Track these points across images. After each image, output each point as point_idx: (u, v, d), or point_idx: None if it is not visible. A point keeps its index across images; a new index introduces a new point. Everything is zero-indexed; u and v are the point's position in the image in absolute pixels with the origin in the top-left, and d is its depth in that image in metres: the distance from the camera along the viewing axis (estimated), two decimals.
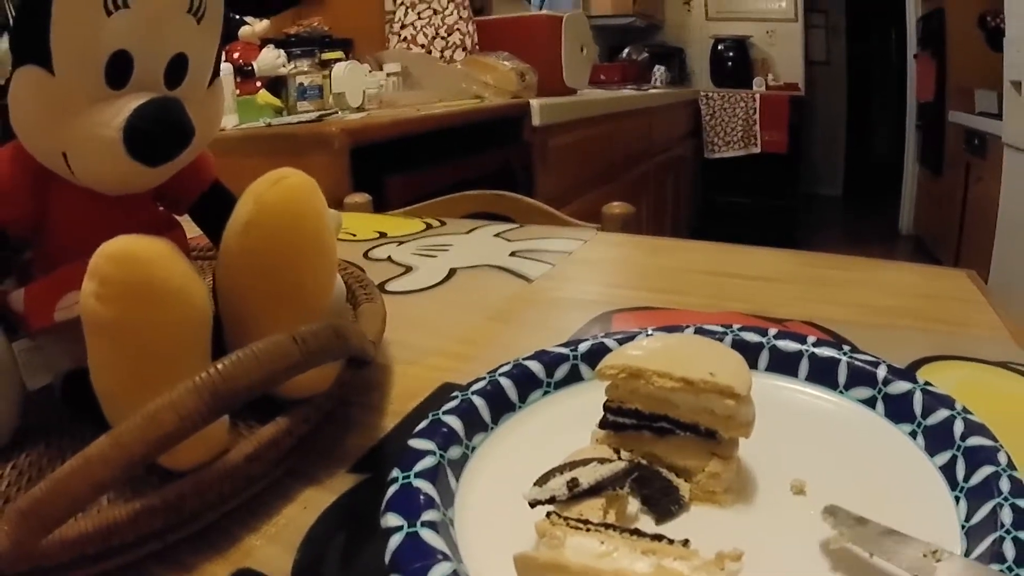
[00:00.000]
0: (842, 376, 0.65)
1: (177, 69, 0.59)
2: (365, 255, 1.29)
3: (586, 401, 0.59)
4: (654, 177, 4.61)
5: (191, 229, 0.71)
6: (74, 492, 0.41)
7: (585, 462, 0.50)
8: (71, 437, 0.62)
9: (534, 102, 2.97)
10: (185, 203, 0.71)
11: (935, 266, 1.19)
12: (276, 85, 2.66)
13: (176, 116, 0.57)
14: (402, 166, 2.29)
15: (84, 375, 0.53)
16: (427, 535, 0.46)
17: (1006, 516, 0.46)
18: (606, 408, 0.56)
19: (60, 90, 0.53)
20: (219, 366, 0.44)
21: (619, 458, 0.51)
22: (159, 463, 0.51)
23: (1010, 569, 0.42)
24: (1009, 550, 0.43)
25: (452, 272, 1.17)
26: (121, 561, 0.49)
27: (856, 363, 0.64)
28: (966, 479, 0.51)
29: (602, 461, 0.50)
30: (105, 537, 0.46)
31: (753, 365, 0.68)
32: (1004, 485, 0.49)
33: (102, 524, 0.45)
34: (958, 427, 0.55)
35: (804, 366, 0.67)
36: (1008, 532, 0.45)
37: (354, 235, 1.43)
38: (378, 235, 1.43)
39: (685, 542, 0.42)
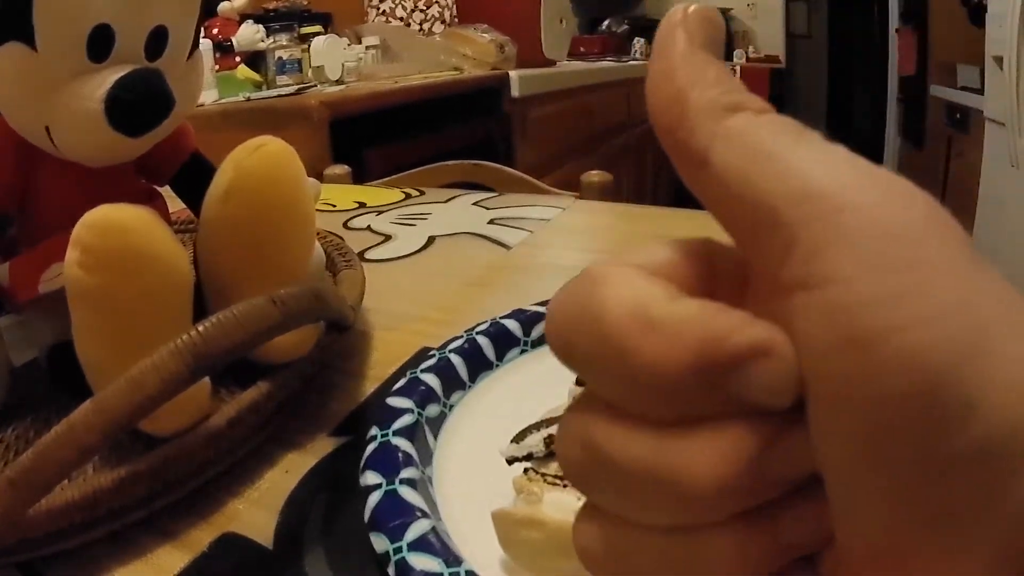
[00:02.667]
0: None
1: (157, 41, 0.59)
2: (345, 225, 1.29)
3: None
4: (634, 148, 4.60)
5: (174, 203, 0.71)
6: (60, 458, 0.41)
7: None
8: (58, 410, 0.63)
9: (513, 74, 2.96)
10: (166, 174, 0.71)
11: None
12: (255, 60, 2.65)
13: (157, 87, 0.57)
14: (381, 138, 2.29)
15: (69, 348, 0.53)
16: (405, 492, 0.47)
17: None
18: None
19: (43, 65, 0.53)
20: (200, 328, 0.45)
21: None
22: (143, 429, 0.51)
23: None
24: None
25: (431, 240, 1.17)
26: (106, 529, 0.50)
27: None
28: None
29: None
30: (92, 505, 0.46)
31: None
32: None
33: (88, 492, 0.46)
34: None
35: None
36: None
37: (334, 206, 1.43)
38: (357, 205, 1.43)
39: None
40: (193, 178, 0.70)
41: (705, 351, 0.20)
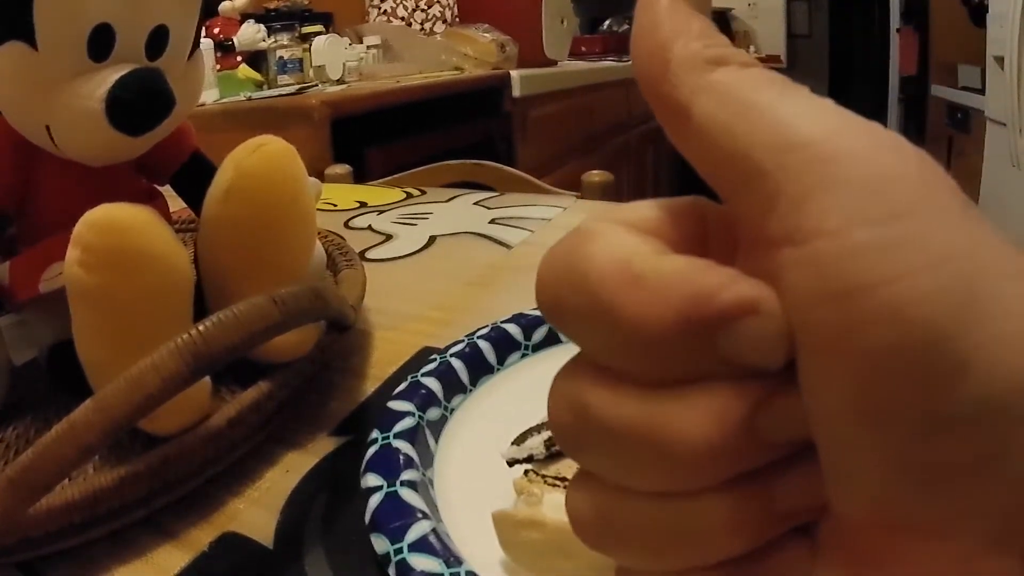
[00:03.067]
0: None
1: (158, 41, 0.59)
2: (346, 224, 1.29)
3: (565, 363, 0.60)
4: (635, 148, 4.59)
5: (175, 203, 0.71)
6: (60, 457, 0.41)
7: None
8: (58, 409, 0.63)
9: (514, 73, 2.96)
10: (166, 174, 0.71)
11: None
12: (256, 59, 2.65)
13: (157, 86, 0.57)
14: (383, 138, 2.29)
15: (70, 347, 0.53)
16: (406, 494, 0.47)
17: None
18: None
19: (43, 64, 0.53)
20: (200, 328, 0.45)
21: None
22: (143, 429, 0.51)
23: None
24: None
25: (432, 240, 1.17)
26: (107, 529, 0.50)
27: None
28: None
29: None
30: (92, 504, 0.46)
31: None
32: None
33: (88, 491, 0.46)
34: None
35: None
36: None
37: (335, 205, 1.43)
38: (359, 205, 1.43)
39: None
40: (194, 177, 0.70)
41: (691, 308, 0.20)
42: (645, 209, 0.25)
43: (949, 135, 4.82)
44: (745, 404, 0.21)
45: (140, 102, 0.56)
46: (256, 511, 0.54)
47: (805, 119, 0.21)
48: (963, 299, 0.18)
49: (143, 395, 0.43)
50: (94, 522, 0.48)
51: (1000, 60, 3.58)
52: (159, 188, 0.72)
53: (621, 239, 0.23)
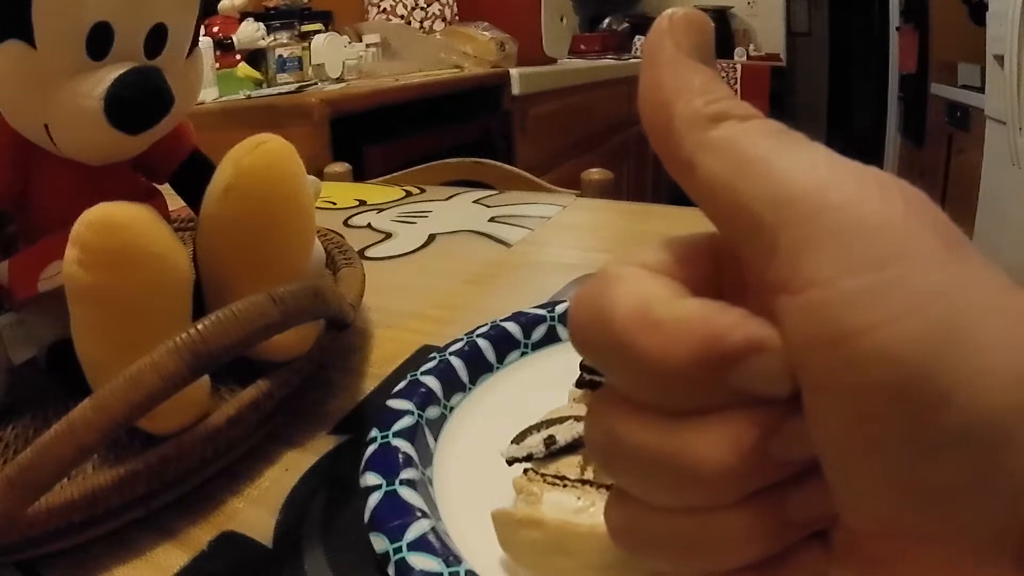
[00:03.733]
0: None
1: (156, 39, 0.59)
2: (345, 223, 1.29)
3: (563, 361, 0.59)
4: (635, 146, 4.60)
5: (174, 201, 0.71)
6: (59, 456, 0.41)
7: (562, 420, 0.51)
8: (57, 408, 0.63)
9: (514, 71, 2.96)
10: (165, 172, 0.71)
11: None
12: (256, 58, 2.65)
13: (156, 84, 0.57)
14: (382, 136, 2.28)
15: (68, 346, 0.53)
16: (405, 493, 0.47)
17: None
18: (582, 367, 0.57)
19: (42, 63, 0.53)
20: (199, 326, 0.45)
21: None
22: (142, 428, 0.51)
23: None
24: None
25: (431, 238, 1.17)
26: (106, 528, 0.50)
27: None
28: None
29: (579, 419, 0.51)
30: (91, 503, 0.46)
31: None
32: None
33: (87, 490, 0.46)
34: None
35: None
36: None
37: (334, 203, 1.43)
38: (358, 203, 1.43)
39: None
40: (193, 176, 0.70)
41: (704, 348, 0.22)
42: (663, 252, 0.27)
43: (949, 133, 4.81)
44: (757, 430, 0.23)
45: (139, 101, 0.56)
46: (255, 510, 0.54)
47: (798, 172, 0.23)
48: (945, 338, 0.20)
49: (142, 394, 0.43)
50: (93, 521, 0.49)
51: (1000, 58, 3.58)
52: (158, 187, 0.71)
53: (641, 284, 0.24)
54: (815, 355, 0.21)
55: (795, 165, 0.23)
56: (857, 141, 7.24)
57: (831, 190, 0.22)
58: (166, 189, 0.71)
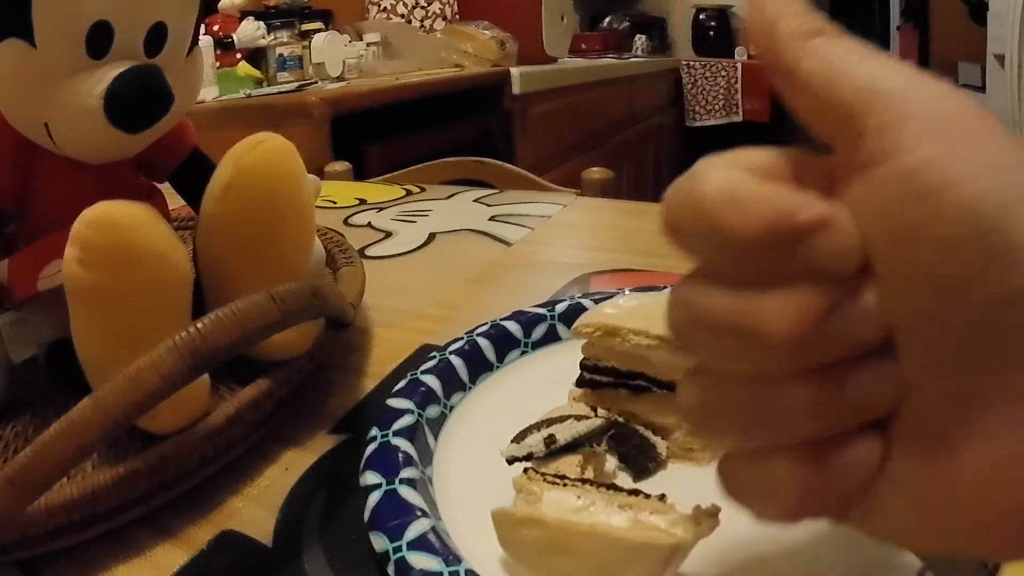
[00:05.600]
0: None
1: (156, 37, 0.59)
2: (345, 222, 1.29)
3: (563, 360, 0.60)
4: (636, 146, 4.60)
5: (174, 200, 0.71)
6: (59, 455, 0.41)
7: (562, 419, 0.51)
8: (57, 407, 0.63)
9: (514, 70, 2.96)
10: (165, 171, 0.71)
11: None
12: (256, 57, 2.65)
13: (156, 83, 0.57)
14: (382, 135, 2.28)
15: (68, 345, 0.53)
16: (405, 492, 0.47)
17: None
18: (582, 366, 0.57)
19: (42, 62, 0.53)
20: (199, 325, 0.44)
21: (596, 416, 0.52)
22: (141, 428, 0.51)
23: None
24: None
25: (431, 237, 1.17)
26: (105, 527, 0.50)
27: None
28: None
29: (579, 418, 0.51)
30: (90, 502, 0.46)
31: None
32: None
33: (87, 489, 0.46)
34: None
35: None
36: None
37: (334, 202, 1.43)
38: (358, 202, 1.43)
39: (662, 496, 0.43)
40: (193, 175, 0.70)
41: (777, 221, 0.25)
42: (753, 154, 0.29)
43: None
44: (822, 301, 0.26)
45: (138, 99, 0.56)
46: (255, 509, 0.53)
47: (885, 72, 0.27)
48: (1016, 197, 0.23)
49: (142, 394, 0.42)
50: (93, 520, 0.48)
51: (1000, 58, 3.58)
52: (158, 186, 0.71)
53: (730, 172, 0.27)
54: (900, 212, 0.25)
55: (883, 67, 0.27)
56: None
57: (917, 87, 0.26)
58: (166, 188, 0.71)
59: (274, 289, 0.49)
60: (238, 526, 0.52)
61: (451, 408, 0.60)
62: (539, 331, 0.69)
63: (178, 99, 0.59)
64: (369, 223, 1.27)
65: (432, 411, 0.57)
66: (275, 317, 0.48)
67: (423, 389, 0.58)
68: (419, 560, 0.41)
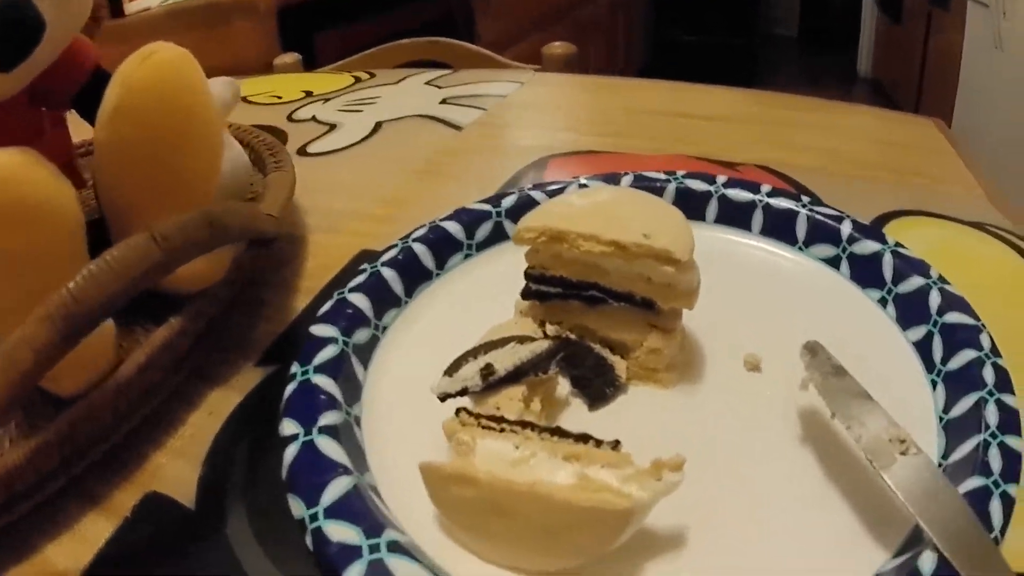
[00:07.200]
0: (801, 231, 0.62)
1: None
2: (289, 118, 1.23)
3: (511, 264, 0.55)
4: (605, 19, 4.50)
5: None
6: None
7: (503, 342, 0.46)
8: None
9: None
10: (66, 97, 0.65)
11: (900, 112, 1.13)
12: None
13: (19, 13, 0.52)
14: (335, 22, 2.22)
15: None
16: (324, 444, 0.43)
17: (991, 415, 0.43)
18: (527, 276, 0.52)
19: None
20: (70, 285, 0.41)
21: (544, 334, 0.48)
22: (47, 390, 0.48)
23: (996, 484, 0.38)
24: (995, 459, 0.40)
25: (378, 126, 1.12)
26: (29, 505, 0.47)
27: (817, 216, 0.61)
28: (944, 361, 0.48)
29: (522, 340, 0.46)
30: (6, 484, 0.43)
31: (700, 217, 0.65)
32: (988, 375, 0.45)
33: (1, 471, 0.43)
34: (934, 299, 0.52)
35: (758, 218, 0.64)
36: (994, 436, 0.41)
37: (279, 97, 1.36)
38: (304, 95, 1.36)
39: (615, 444, 0.39)
40: (95, 96, 0.64)
41: None
42: None
43: (928, 12, 4.72)
44: None
45: (2, 35, 0.51)
46: (179, 465, 0.50)
47: None
48: None
49: (18, 373, 0.39)
50: (13, 501, 0.45)
51: None
52: (63, 114, 0.67)
53: None
54: None
55: None
56: (832, 15, 7.14)
57: None
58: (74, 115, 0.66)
59: (157, 227, 0.44)
60: (161, 486, 0.49)
61: (384, 329, 0.55)
62: (484, 230, 0.64)
63: (58, 23, 0.55)
64: (313, 116, 1.21)
65: (361, 336, 0.53)
66: (158, 259, 0.44)
67: (350, 311, 0.54)
68: (337, 531, 0.38)
